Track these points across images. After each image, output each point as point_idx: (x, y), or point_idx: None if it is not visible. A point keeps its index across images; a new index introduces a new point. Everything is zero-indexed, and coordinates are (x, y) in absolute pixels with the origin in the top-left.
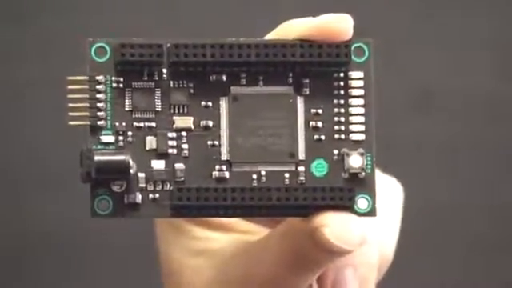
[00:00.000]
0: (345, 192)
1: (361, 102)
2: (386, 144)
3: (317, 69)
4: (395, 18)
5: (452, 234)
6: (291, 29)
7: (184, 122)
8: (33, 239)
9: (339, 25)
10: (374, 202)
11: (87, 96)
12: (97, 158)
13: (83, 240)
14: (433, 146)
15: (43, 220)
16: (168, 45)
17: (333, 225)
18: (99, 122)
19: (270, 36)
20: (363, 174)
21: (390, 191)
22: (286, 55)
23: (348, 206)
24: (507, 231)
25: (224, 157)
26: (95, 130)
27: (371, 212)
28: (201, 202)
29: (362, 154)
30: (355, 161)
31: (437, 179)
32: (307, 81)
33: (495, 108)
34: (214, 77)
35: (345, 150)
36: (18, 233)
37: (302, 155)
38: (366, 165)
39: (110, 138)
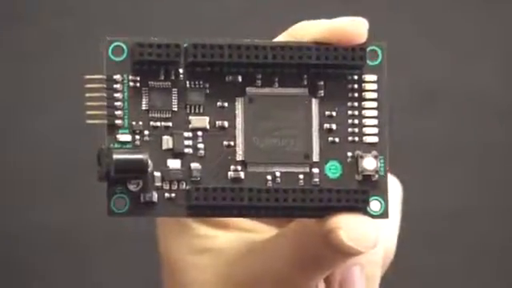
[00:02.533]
0: (359, 194)
1: (374, 104)
2: (390, 144)
3: (332, 71)
4: (399, 19)
5: (456, 236)
6: (306, 31)
7: (200, 121)
8: (34, 239)
9: (355, 28)
10: (386, 205)
11: (104, 95)
12: (115, 156)
13: (88, 238)
14: (437, 146)
15: (47, 219)
16: (185, 45)
17: (348, 227)
18: (116, 121)
19: (283, 37)
20: (376, 176)
21: (390, 188)
22: (302, 57)
23: (361, 208)
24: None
25: (239, 157)
26: (112, 129)
27: (384, 214)
28: (218, 202)
29: (375, 157)
30: (369, 163)
31: (440, 180)
32: (322, 83)
33: (500, 109)
34: (230, 77)
35: (358, 152)
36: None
37: (316, 157)
38: (380, 167)
39: (127, 137)
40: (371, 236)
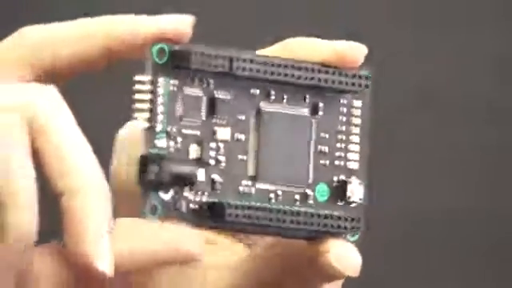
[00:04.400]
0: (347, 221)
1: (358, 130)
2: (386, 146)
3: (332, 95)
4: (397, 23)
5: (450, 238)
6: (309, 50)
7: (224, 133)
8: None
9: (357, 53)
10: (359, 233)
11: (148, 97)
12: (168, 167)
13: None
14: (433, 148)
15: None
16: (232, 56)
17: (337, 251)
18: (156, 125)
19: (276, 49)
20: (357, 203)
21: None
22: (314, 78)
23: (342, 234)
24: (506, 234)
25: (250, 172)
26: (152, 133)
27: (356, 242)
28: (251, 220)
29: (359, 184)
30: (351, 189)
31: (436, 182)
32: (322, 105)
33: (490, 112)
34: (251, 91)
35: (342, 177)
36: None
37: (311, 179)
38: (359, 194)
39: (163, 143)
40: (358, 261)
